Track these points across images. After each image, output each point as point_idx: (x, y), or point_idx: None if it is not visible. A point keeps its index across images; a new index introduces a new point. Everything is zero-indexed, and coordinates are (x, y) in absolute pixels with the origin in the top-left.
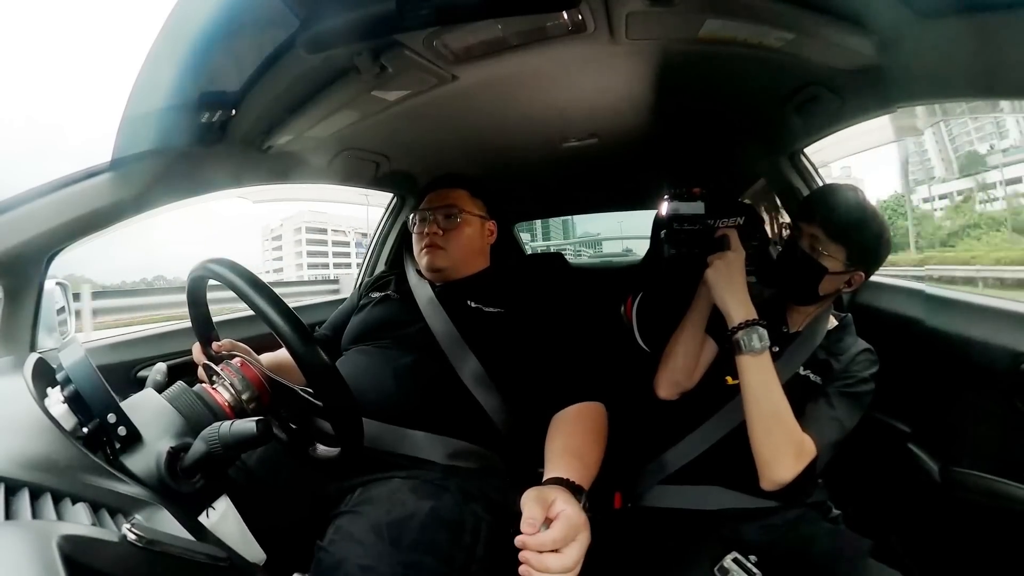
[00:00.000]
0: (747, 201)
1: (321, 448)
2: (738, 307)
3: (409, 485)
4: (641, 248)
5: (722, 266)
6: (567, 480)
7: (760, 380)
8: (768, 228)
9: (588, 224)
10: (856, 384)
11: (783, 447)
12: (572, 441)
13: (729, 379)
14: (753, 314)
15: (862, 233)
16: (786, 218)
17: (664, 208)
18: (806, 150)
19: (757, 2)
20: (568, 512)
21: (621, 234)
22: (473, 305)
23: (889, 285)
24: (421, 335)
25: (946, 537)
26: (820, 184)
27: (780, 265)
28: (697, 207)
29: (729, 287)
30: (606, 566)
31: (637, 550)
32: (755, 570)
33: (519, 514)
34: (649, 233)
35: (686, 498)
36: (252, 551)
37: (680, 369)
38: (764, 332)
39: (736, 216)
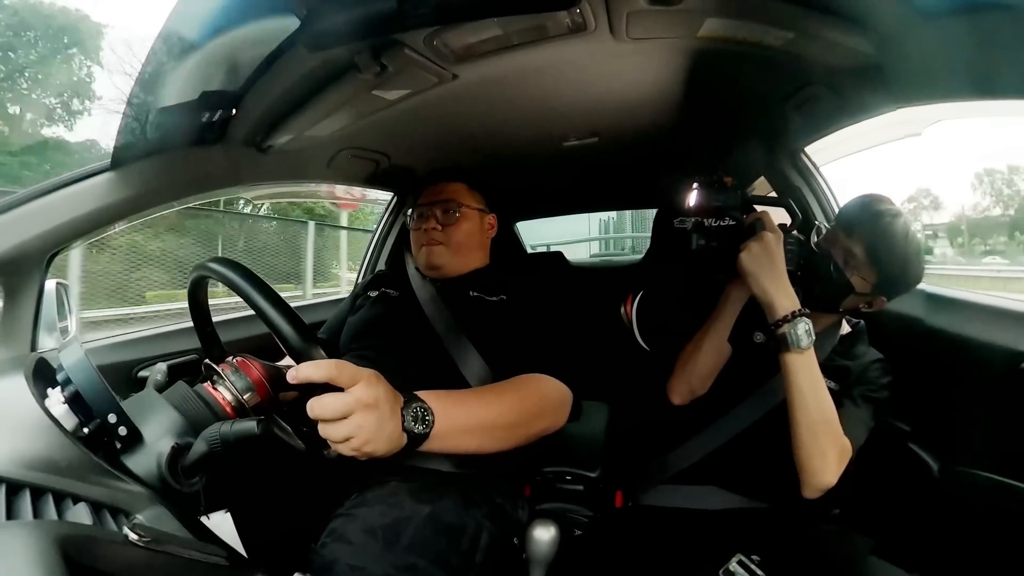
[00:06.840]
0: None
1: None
2: (782, 296)
3: (407, 488)
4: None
5: (759, 250)
6: (415, 395)
7: (810, 383)
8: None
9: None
10: (878, 390)
11: (830, 451)
12: (476, 391)
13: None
14: (798, 304)
15: (902, 270)
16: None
17: (692, 197)
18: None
19: (757, 2)
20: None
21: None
22: (474, 295)
23: None
24: (422, 334)
25: (947, 535)
26: (823, 185)
27: (807, 267)
28: (731, 198)
29: (769, 273)
30: (607, 565)
31: (639, 550)
32: (758, 571)
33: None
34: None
35: (688, 498)
36: None
37: (697, 376)
38: (811, 324)
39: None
